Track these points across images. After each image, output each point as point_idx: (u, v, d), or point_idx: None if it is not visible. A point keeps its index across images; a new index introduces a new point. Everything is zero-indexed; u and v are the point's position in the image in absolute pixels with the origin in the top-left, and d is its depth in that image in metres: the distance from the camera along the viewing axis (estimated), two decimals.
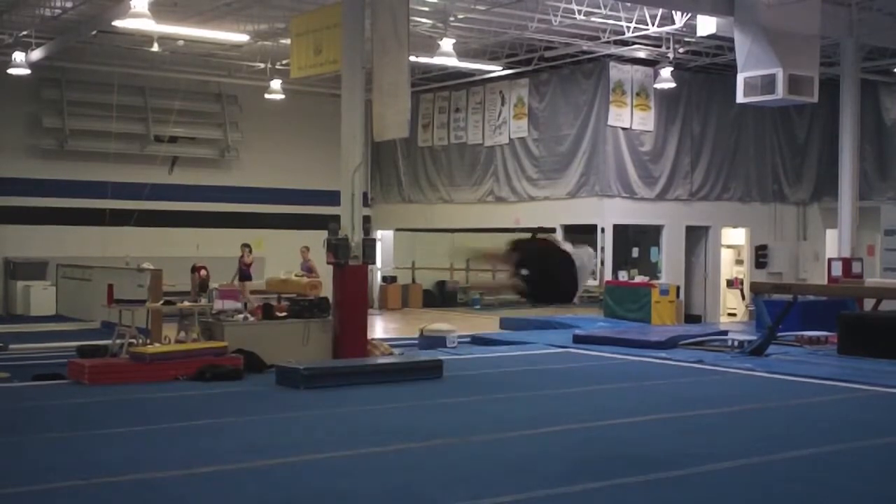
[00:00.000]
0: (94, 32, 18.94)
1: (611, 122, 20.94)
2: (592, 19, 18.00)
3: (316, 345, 13.94)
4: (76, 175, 23.12)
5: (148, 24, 16.13)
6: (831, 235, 22.13)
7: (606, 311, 20.68)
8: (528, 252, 7.75)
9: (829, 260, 20.34)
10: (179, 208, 24.20)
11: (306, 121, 25.51)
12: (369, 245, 14.82)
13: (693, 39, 19.61)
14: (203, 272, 15.53)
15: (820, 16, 16.67)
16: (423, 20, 18.29)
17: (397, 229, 27.02)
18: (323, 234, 14.89)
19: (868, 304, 17.83)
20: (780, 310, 15.59)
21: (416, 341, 16.70)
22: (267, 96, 23.18)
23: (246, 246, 21.03)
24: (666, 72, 20.80)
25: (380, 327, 20.76)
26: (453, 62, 19.56)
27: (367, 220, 21.94)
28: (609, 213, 21.03)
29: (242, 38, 19.22)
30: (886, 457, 8.51)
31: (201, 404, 10.66)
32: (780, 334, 15.94)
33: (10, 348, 15.19)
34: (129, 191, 22.34)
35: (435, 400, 11.16)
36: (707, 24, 17.35)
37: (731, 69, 18.19)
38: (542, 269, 7.61)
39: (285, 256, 22.73)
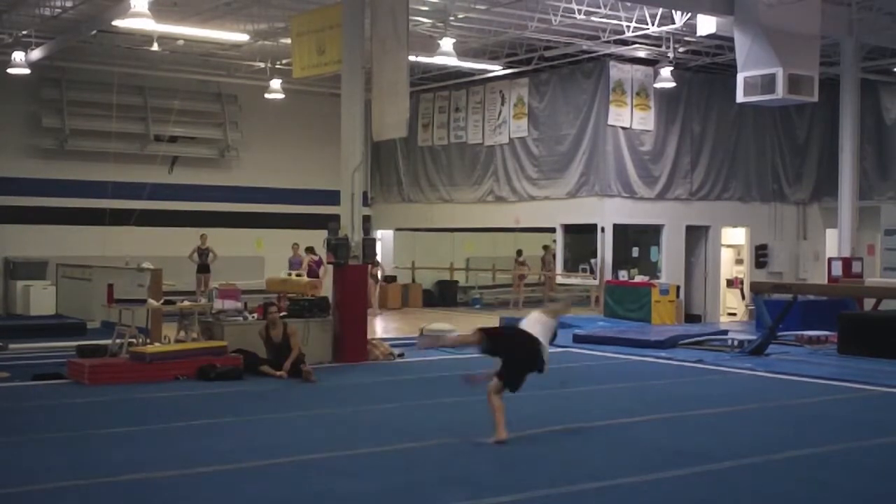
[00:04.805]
0: (93, 32, 18.92)
1: (611, 121, 20.93)
2: (592, 19, 18.00)
3: (316, 344, 13.94)
4: (76, 175, 23.10)
5: (148, 24, 16.12)
6: (831, 235, 22.13)
7: (606, 310, 20.68)
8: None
9: (829, 259, 20.35)
10: (179, 208, 24.19)
11: (306, 121, 25.50)
12: (369, 245, 14.84)
13: (693, 39, 19.61)
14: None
15: (820, 15, 16.68)
16: (423, 20, 18.29)
17: (397, 229, 27.02)
18: (323, 234, 14.90)
19: (868, 303, 17.84)
20: (780, 309, 15.60)
21: (416, 341, 16.68)
22: (267, 96, 23.18)
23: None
24: (666, 71, 20.80)
25: (380, 327, 20.75)
26: (453, 62, 19.55)
27: (367, 219, 22.01)
28: (609, 212, 21.03)
29: (242, 37, 19.21)
30: (886, 456, 8.51)
31: (201, 404, 10.67)
32: (780, 334, 15.96)
33: (9, 348, 15.18)
34: (129, 190, 22.32)
35: (435, 399, 11.17)
36: (707, 24, 17.36)
37: (731, 69, 18.19)
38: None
39: (285, 256, 22.78)
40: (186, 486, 7.18)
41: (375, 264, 23.29)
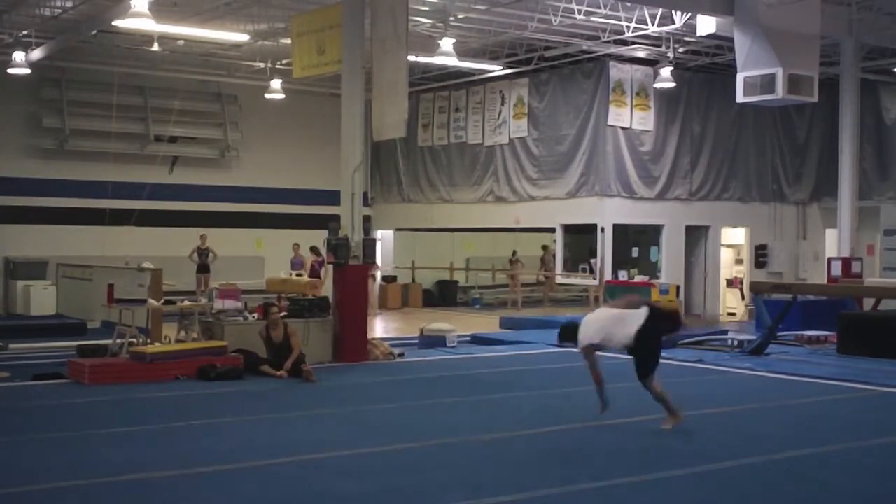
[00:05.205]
0: (94, 32, 18.93)
1: (611, 121, 20.94)
2: (592, 19, 18.01)
3: (316, 344, 13.94)
4: (76, 175, 23.11)
5: (148, 24, 16.13)
6: (831, 235, 22.14)
7: None
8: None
9: (829, 259, 20.35)
10: (179, 208, 24.21)
11: (306, 121, 25.51)
12: (369, 245, 14.84)
13: (693, 39, 19.62)
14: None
15: (820, 15, 16.69)
16: (423, 20, 18.29)
17: (397, 229, 27.03)
18: (323, 234, 14.89)
19: (868, 303, 17.83)
20: (779, 309, 15.59)
21: (416, 341, 16.71)
22: (267, 96, 23.18)
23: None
24: (666, 71, 20.80)
25: (380, 327, 20.76)
26: (453, 62, 19.56)
27: (367, 219, 22.00)
28: (609, 212, 21.03)
29: (242, 37, 19.22)
30: (886, 456, 8.51)
31: (201, 404, 10.67)
32: (779, 334, 15.94)
33: (9, 348, 15.19)
34: (129, 190, 22.32)
35: (435, 399, 11.17)
36: (707, 24, 17.36)
37: (731, 69, 18.20)
38: None
39: (285, 256, 22.78)
40: (186, 486, 7.18)
41: (373, 265, 23.45)
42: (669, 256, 21.85)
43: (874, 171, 22.65)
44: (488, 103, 23.61)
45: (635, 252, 22.04)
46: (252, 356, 12.81)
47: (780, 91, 16.19)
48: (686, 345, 16.21)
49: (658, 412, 10.36)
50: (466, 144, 24.28)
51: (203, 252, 22.32)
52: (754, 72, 16.45)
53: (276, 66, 22.08)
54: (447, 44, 18.64)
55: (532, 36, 19.55)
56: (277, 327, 12.83)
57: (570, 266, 22.54)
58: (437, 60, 19.60)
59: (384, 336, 17.92)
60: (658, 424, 9.72)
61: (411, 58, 15.97)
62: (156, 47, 19.58)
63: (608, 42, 19.65)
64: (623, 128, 21.19)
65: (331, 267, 15.21)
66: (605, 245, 20.97)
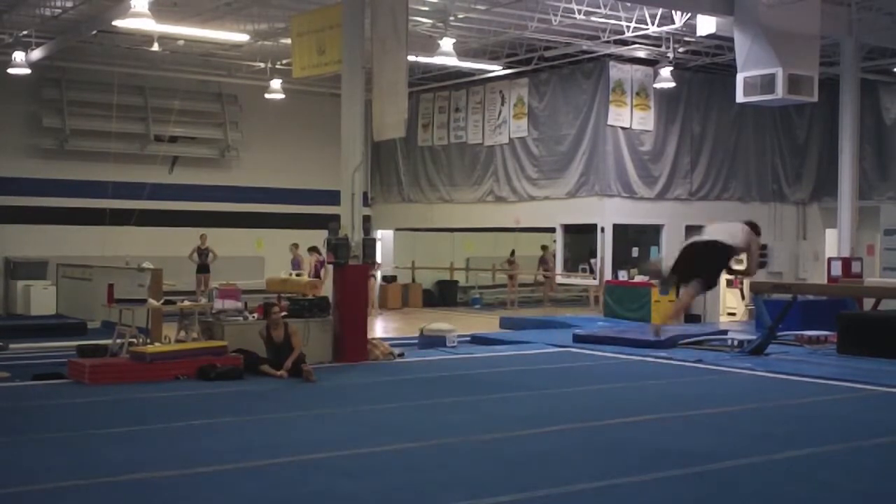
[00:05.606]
0: (94, 32, 18.94)
1: (611, 121, 20.94)
2: (592, 19, 18.02)
3: (316, 344, 13.94)
4: (76, 175, 23.12)
5: (148, 24, 16.14)
6: (831, 235, 22.14)
7: (606, 310, 20.68)
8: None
9: (829, 259, 20.35)
10: (179, 208, 24.21)
11: (306, 121, 25.51)
12: (369, 245, 14.85)
13: (693, 39, 19.63)
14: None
15: (820, 15, 16.70)
16: (423, 20, 18.30)
17: (397, 229, 27.03)
18: (323, 234, 14.89)
19: (868, 303, 17.84)
20: (779, 309, 15.59)
21: (416, 341, 16.71)
22: (267, 96, 23.19)
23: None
24: (666, 71, 20.81)
25: (380, 327, 20.77)
26: (453, 62, 19.56)
27: (367, 219, 22.03)
28: (609, 212, 21.04)
29: (242, 37, 19.23)
30: (886, 456, 8.51)
31: (201, 404, 10.67)
32: (779, 334, 15.94)
33: (9, 348, 15.19)
34: (130, 190, 22.33)
35: (435, 399, 11.17)
36: (707, 24, 17.37)
37: (731, 69, 18.20)
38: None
39: (285, 256, 22.79)
40: (186, 486, 7.18)
41: (373, 264, 23.49)
42: (669, 256, 21.80)
43: (874, 171, 22.65)
44: (488, 103, 23.61)
45: (635, 252, 22.03)
46: (252, 356, 12.81)
47: (780, 91, 16.20)
48: (686, 345, 16.22)
49: (657, 412, 10.38)
50: (466, 144, 24.29)
51: (203, 252, 22.34)
52: (754, 72, 16.46)
53: (276, 66, 22.09)
54: (447, 44, 18.65)
55: (532, 36, 19.56)
56: (278, 327, 12.84)
57: (570, 266, 22.55)
58: (437, 60, 19.60)
59: (384, 336, 17.92)
60: (658, 424, 9.76)
61: (411, 58, 15.98)
62: (156, 47, 19.58)
63: (608, 42, 19.65)
64: (623, 128, 21.20)
65: (331, 267, 15.22)
66: (605, 245, 20.98)
